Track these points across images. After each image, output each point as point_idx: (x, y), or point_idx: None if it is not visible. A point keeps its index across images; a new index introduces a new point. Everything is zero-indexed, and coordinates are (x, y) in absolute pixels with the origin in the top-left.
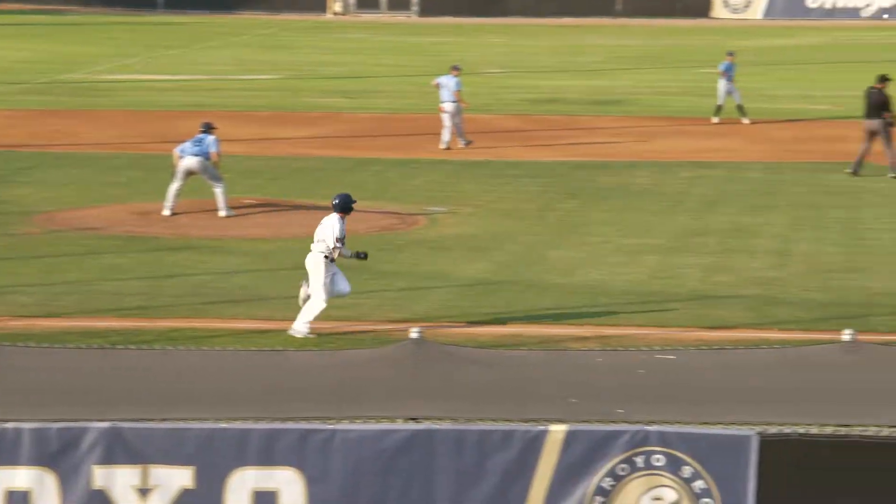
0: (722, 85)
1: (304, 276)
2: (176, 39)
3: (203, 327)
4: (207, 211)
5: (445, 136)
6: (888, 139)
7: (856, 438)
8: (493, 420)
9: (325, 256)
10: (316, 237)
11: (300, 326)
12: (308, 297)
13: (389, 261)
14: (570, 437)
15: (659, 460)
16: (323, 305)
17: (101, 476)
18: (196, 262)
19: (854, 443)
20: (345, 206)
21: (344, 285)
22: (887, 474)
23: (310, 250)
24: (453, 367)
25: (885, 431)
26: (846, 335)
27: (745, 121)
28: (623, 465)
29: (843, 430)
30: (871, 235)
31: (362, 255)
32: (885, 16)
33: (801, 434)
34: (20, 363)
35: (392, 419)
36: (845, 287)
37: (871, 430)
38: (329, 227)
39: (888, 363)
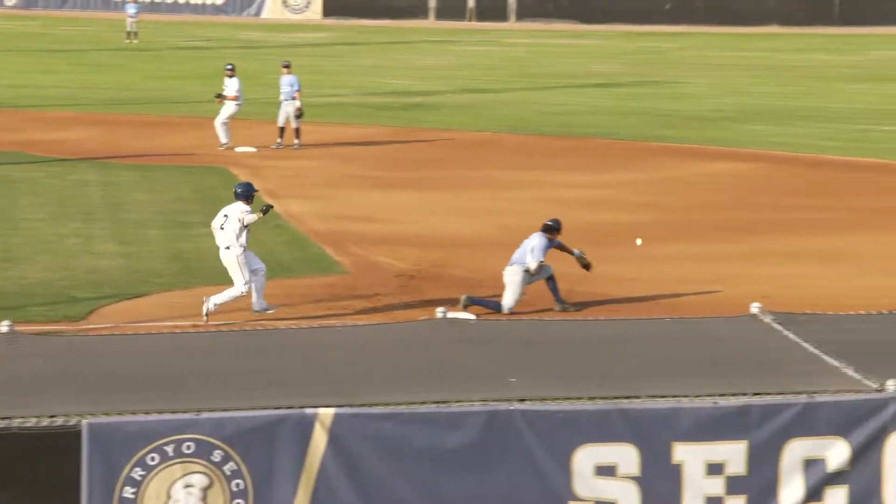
0: None
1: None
2: None
3: None
4: None
5: None
6: None
7: (15, 430)
8: None
9: (237, 247)
10: (221, 232)
11: (211, 305)
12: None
13: None
14: None
15: None
16: (244, 290)
17: None
18: None
19: (13, 434)
20: (248, 194)
21: (257, 262)
22: (45, 463)
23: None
24: None
25: (45, 422)
26: (3, 327)
27: None
28: None
29: (3, 423)
30: (27, 225)
31: (266, 210)
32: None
33: None
34: None
35: None
36: (4, 278)
37: (32, 422)
38: (235, 217)
39: (46, 353)
